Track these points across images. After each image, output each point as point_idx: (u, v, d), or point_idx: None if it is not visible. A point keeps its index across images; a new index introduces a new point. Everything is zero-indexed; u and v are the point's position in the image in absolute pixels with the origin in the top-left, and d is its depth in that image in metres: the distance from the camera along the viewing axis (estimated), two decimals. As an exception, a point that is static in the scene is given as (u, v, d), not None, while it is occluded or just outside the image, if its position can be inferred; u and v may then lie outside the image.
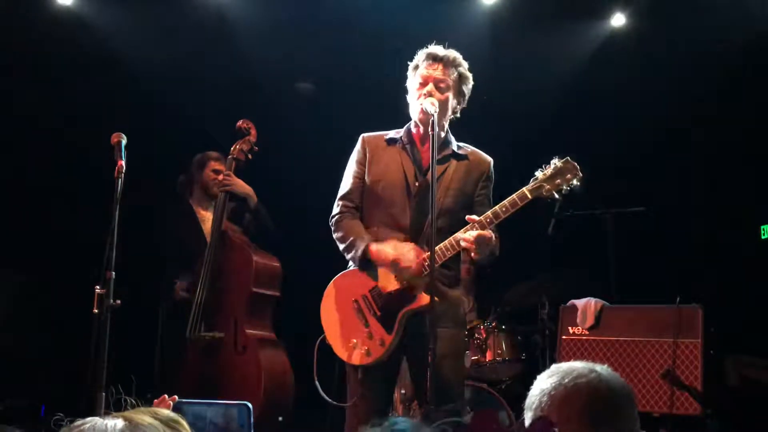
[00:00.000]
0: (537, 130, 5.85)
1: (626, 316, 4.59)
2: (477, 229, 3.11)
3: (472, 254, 3.16)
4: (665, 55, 5.65)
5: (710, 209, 5.62)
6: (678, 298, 4.38)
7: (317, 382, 3.42)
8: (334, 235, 3.43)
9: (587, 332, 4.64)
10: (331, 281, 3.48)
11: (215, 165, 4.92)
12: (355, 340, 3.32)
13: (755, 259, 5.25)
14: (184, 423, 1.47)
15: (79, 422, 1.37)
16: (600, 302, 4.68)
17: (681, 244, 5.71)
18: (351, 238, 3.33)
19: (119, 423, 1.35)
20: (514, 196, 3.13)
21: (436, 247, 3.11)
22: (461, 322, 3.50)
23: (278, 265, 4.68)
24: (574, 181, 3.13)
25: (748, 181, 5.56)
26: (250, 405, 1.85)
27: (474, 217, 3.15)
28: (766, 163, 5.48)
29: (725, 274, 5.43)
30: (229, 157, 4.76)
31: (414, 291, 3.24)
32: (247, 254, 4.57)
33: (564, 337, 4.70)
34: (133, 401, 1.63)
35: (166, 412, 1.46)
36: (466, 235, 3.12)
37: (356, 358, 3.31)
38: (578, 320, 4.67)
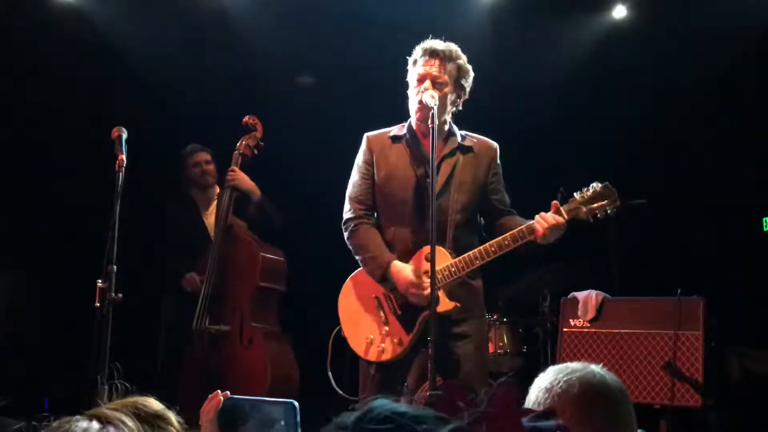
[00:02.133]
0: (539, 122, 5.84)
1: (627, 308, 4.58)
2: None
3: (539, 239, 3.13)
4: (667, 47, 5.63)
5: (712, 201, 5.61)
6: (679, 290, 4.37)
7: (330, 374, 3.43)
8: (350, 241, 3.40)
9: (588, 324, 4.64)
10: (351, 275, 3.46)
11: (193, 159, 4.97)
12: (372, 336, 3.32)
13: (757, 251, 5.24)
14: (172, 418, 1.41)
15: (55, 424, 1.33)
16: (601, 294, 4.68)
17: (682, 236, 5.70)
18: (372, 253, 3.30)
19: (94, 426, 1.30)
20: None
21: (462, 257, 3.16)
22: (484, 311, 3.53)
23: (283, 259, 4.70)
24: (612, 209, 3.07)
25: (750, 173, 5.54)
26: (296, 403, 1.78)
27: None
28: (769, 155, 5.48)
29: (727, 266, 5.42)
30: (235, 152, 4.77)
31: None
32: (253, 249, 4.59)
33: (565, 329, 4.70)
34: (127, 386, 1.55)
35: (153, 407, 1.39)
36: (547, 217, 3.08)
37: (372, 354, 3.31)
38: (579, 312, 4.68)
